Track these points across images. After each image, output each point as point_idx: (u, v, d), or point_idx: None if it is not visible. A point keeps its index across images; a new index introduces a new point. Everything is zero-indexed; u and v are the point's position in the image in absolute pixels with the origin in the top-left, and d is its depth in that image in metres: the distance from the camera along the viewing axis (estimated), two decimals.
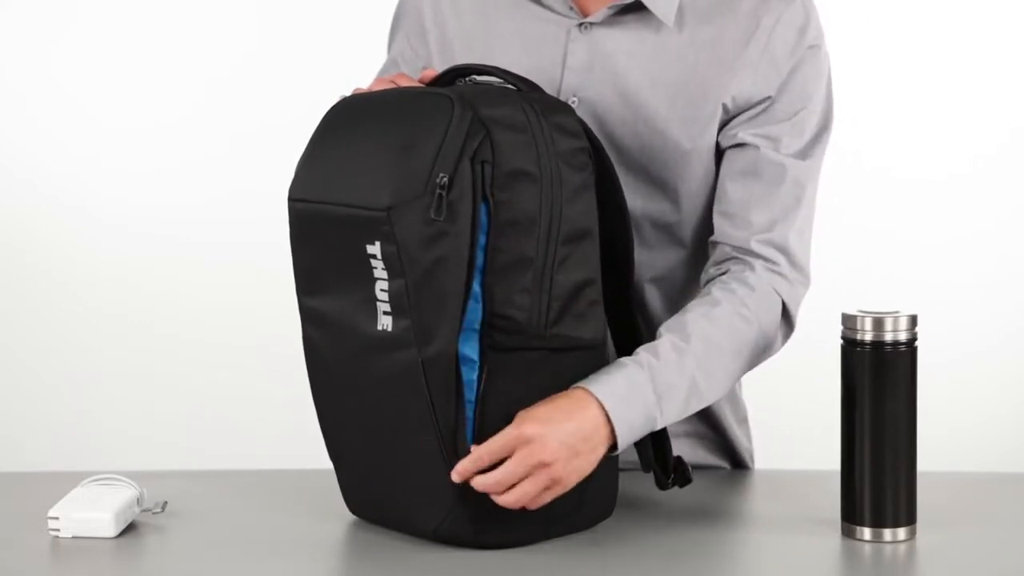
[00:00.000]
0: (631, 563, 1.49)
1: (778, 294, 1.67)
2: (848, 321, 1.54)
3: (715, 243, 1.71)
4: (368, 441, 1.54)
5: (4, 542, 1.54)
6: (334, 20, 3.33)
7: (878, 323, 1.52)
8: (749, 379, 1.92)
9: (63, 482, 1.62)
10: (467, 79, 1.58)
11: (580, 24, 1.68)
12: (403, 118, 1.49)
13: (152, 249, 3.45)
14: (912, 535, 1.54)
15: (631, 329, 1.61)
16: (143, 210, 3.45)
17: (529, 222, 1.46)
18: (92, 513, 1.53)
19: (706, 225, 1.73)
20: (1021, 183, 3.54)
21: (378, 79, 1.63)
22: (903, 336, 1.52)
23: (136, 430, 3.40)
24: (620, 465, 1.57)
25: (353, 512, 1.60)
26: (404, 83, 1.58)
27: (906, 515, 1.54)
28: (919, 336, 1.54)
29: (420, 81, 1.59)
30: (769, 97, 1.69)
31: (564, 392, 1.50)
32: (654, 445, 1.59)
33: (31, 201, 3.45)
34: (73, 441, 3.41)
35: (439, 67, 1.69)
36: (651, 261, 1.72)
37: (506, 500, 1.46)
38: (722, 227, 1.70)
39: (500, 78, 1.56)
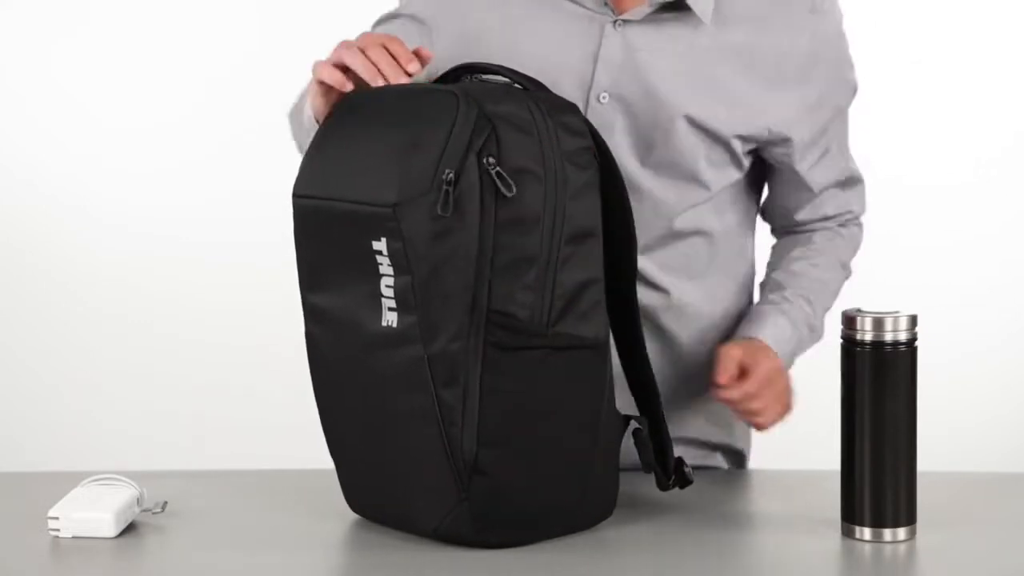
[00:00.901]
0: (631, 563, 1.49)
1: (855, 240, 1.90)
2: (848, 321, 1.54)
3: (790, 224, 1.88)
4: (370, 438, 1.54)
5: (4, 542, 1.54)
6: (334, 20, 3.32)
7: (878, 323, 1.52)
8: None
9: (63, 482, 1.62)
10: (473, 77, 1.58)
11: (615, 21, 1.68)
12: (408, 114, 1.49)
13: (152, 249, 3.46)
14: (912, 535, 1.54)
15: (633, 329, 1.60)
16: (143, 210, 3.45)
17: (532, 220, 1.46)
18: (92, 513, 1.53)
19: (731, 214, 1.80)
20: (1023, 188, 3.55)
21: (367, 35, 1.58)
22: (903, 336, 1.52)
23: (136, 430, 3.40)
24: (620, 465, 1.57)
25: (354, 510, 1.60)
26: (395, 48, 1.55)
27: (906, 515, 1.54)
28: (919, 336, 1.54)
29: (415, 54, 1.56)
30: (832, 96, 1.79)
31: (755, 341, 1.76)
32: (655, 446, 1.59)
33: (31, 201, 3.46)
34: (73, 441, 3.41)
35: (455, 58, 1.67)
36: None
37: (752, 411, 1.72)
38: (798, 216, 1.86)
39: (507, 77, 1.56)
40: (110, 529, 1.53)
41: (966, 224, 3.54)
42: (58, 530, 1.53)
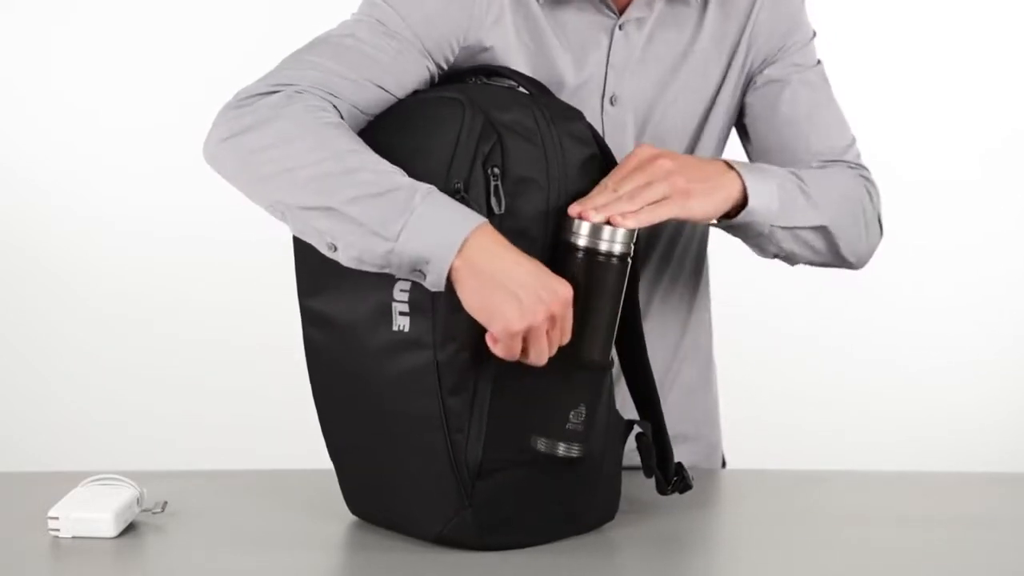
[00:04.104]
0: (631, 563, 1.49)
1: (868, 180, 1.75)
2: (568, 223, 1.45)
3: None
4: (373, 443, 1.53)
5: (4, 542, 1.54)
6: (335, 20, 3.33)
7: (595, 230, 1.45)
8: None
9: (63, 482, 1.62)
10: (478, 79, 1.57)
11: (620, 24, 1.66)
12: (415, 123, 1.49)
13: (152, 249, 3.46)
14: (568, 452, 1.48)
15: (635, 334, 1.60)
16: (143, 210, 3.45)
17: (534, 231, 1.46)
18: (92, 513, 1.53)
19: None
20: None
21: (538, 327, 1.41)
22: (618, 249, 1.46)
23: (136, 430, 3.40)
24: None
25: (354, 513, 1.60)
26: (563, 328, 1.44)
27: (558, 430, 1.47)
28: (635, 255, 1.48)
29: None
30: (787, 35, 1.74)
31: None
32: (657, 451, 1.58)
33: (31, 201, 3.46)
34: (73, 441, 3.41)
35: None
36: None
37: (625, 207, 1.47)
38: (784, 164, 1.73)
39: (512, 79, 1.55)
40: (110, 529, 1.53)
41: (969, 223, 3.54)
42: (58, 530, 1.53)
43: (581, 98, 1.62)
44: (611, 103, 1.67)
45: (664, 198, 1.51)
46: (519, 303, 1.40)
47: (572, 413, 1.47)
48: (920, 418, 3.53)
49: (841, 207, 1.69)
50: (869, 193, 1.74)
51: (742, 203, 1.59)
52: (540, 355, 1.43)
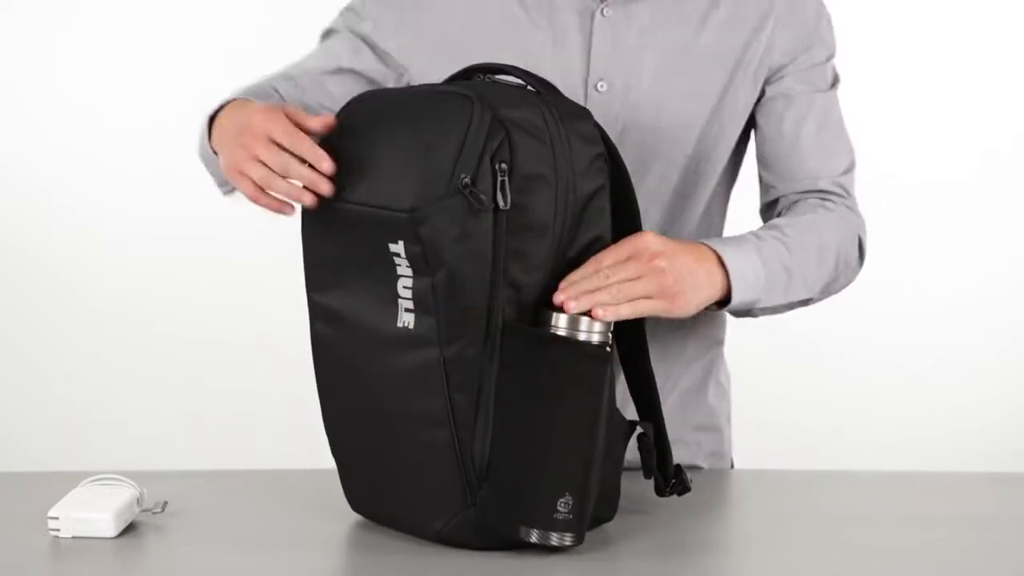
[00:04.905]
0: (631, 563, 1.49)
1: (852, 221, 1.75)
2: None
3: (776, 199, 1.77)
4: (378, 439, 1.53)
5: (4, 542, 1.54)
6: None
7: (573, 321, 1.46)
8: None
9: (63, 482, 1.62)
10: (485, 77, 1.57)
11: (602, 9, 1.67)
12: (422, 118, 1.49)
13: (152, 248, 3.46)
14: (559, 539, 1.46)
15: (636, 334, 1.60)
16: (143, 209, 3.45)
17: (542, 227, 1.46)
18: (92, 513, 1.53)
19: (720, 189, 1.78)
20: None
21: (266, 108, 1.53)
22: (596, 339, 1.46)
23: (136, 430, 3.40)
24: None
25: (355, 509, 1.60)
26: (301, 147, 1.49)
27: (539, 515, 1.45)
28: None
29: (320, 127, 1.53)
30: (803, 50, 1.75)
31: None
32: (657, 453, 1.58)
33: (32, 201, 3.46)
34: (73, 441, 3.42)
35: (444, 68, 1.67)
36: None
37: (607, 299, 1.47)
38: (783, 177, 1.76)
39: (519, 78, 1.55)
40: (110, 529, 1.53)
41: (968, 224, 3.54)
42: (58, 530, 1.53)
43: (559, 80, 1.62)
44: (596, 89, 1.67)
45: (648, 296, 1.52)
46: (228, 150, 1.55)
47: (560, 502, 1.45)
48: (920, 418, 3.53)
49: (823, 269, 1.71)
50: (851, 233, 1.75)
51: (726, 297, 1.62)
52: (272, 177, 1.49)
